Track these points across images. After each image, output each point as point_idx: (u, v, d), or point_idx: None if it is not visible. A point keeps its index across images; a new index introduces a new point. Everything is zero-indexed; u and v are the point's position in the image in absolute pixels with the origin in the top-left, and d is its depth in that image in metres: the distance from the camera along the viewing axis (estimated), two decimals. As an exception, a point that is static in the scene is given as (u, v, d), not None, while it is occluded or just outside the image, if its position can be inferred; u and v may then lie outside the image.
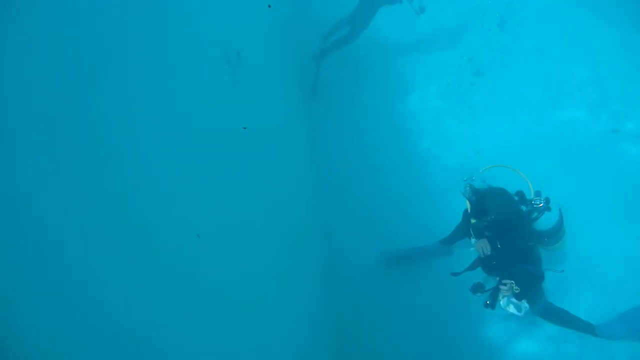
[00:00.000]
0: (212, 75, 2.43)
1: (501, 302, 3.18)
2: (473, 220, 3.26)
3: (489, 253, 3.19)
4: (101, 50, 1.54)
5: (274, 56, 4.24)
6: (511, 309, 3.17)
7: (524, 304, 3.14)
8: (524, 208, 3.21)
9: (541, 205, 3.17)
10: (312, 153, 4.78)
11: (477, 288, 3.23)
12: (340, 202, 4.53)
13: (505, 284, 3.07)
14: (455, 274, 3.38)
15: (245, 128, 1.65)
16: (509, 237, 3.14)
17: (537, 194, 3.27)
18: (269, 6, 2.70)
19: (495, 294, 3.18)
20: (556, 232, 3.31)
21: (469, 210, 3.34)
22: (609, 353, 3.39)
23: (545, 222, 3.23)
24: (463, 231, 3.73)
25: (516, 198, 3.20)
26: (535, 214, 3.20)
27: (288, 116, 4.40)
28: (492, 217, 3.09)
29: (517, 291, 3.06)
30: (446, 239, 3.91)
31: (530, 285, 3.20)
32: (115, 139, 1.54)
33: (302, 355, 2.93)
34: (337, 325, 3.77)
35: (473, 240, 3.35)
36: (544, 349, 3.57)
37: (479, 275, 3.43)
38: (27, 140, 1.23)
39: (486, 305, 3.23)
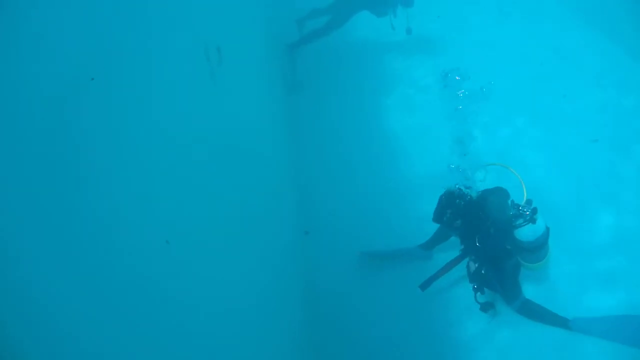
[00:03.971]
0: (190, 72, 2.34)
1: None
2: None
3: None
4: (78, 46, 1.45)
5: (255, 51, 4.15)
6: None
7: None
8: (511, 211, 3.24)
9: (527, 213, 3.17)
10: (293, 149, 4.74)
11: (488, 307, 3.44)
12: (319, 200, 4.49)
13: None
14: (424, 287, 3.40)
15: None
16: (486, 235, 3.19)
17: (528, 202, 3.27)
18: None
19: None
20: (537, 249, 3.31)
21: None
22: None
23: (528, 234, 3.23)
24: (443, 235, 3.75)
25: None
26: (520, 221, 3.20)
27: (270, 112, 4.34)
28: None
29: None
30: (426, 243, 3.91)
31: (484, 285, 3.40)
32: (87, 132, 1.45)
33: (277, 354, 2.92)
34: (314, 325, 3.75)
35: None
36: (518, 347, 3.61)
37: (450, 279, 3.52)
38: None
39: (483, 308, 3.44)
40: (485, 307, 3.45)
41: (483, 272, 3.34)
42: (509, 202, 3.29)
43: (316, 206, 4.42)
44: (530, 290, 3.61)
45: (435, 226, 3.72)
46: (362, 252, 4.14)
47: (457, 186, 3.33)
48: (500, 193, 3.35)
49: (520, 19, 6.01)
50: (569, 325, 3.43)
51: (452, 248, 3.63)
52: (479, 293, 3.43)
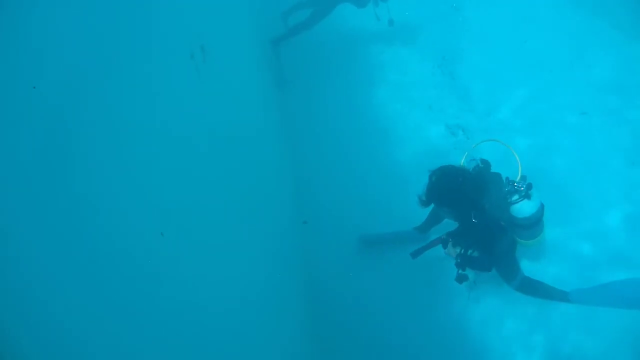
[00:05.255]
0: (176, 71, 2.38)
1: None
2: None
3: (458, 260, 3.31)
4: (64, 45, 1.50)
5: (242, 47, 4.18)
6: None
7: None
8: (506, 188, 3.26)
9: (522, 189, 3.18)
10: (287, 142, 4.78)
11: (463, 278, 3.36)
12: (317, 190, 4.54)
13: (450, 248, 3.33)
14: (415, 255, 3.40)
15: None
16: (482, 211, 3.15)
17: (523, 178, 3.27)
18: None
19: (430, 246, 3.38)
20: (532, 225, 3.32)
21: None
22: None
23: (523, 210, 3.24)
24: (437, 217, 3.79)
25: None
26: (515, 197, 3.22)
27: (260, 107, 4.37)
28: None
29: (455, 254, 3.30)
30: (421, 225, 3.95)
31: (473, 267, 3.35)
32: (80, 128, 1.50)
33: (278, 345, 2.96)
34: (314, 313, 3.81)
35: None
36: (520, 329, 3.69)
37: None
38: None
39: (458, 279, 3.36)
40: (460, 278, 3.39)
41: (470, 253, 3.36)
42: (504, 179, 3.31)
43: (313, 196, 4.46)
44: (525, 267, 3.65)
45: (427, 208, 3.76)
46: (361, 235, 4.21)
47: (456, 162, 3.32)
48: (493, 173, 3.38)
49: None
50: (568, 298, 3.49)
51: (447, 229, 3.65)
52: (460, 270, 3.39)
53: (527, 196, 3.20)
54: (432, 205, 3.52)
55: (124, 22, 1.93)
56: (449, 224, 3.66)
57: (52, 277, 1.26)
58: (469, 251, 3.35)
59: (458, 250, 3.32)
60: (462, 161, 3.40)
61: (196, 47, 2.56)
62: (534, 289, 3.57)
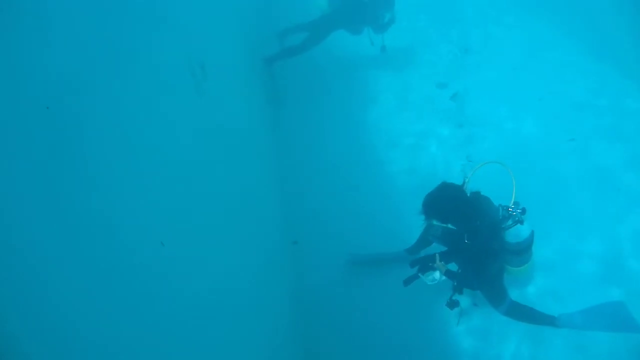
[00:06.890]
0: (176, 89, 2.41)
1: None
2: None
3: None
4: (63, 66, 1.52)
5: (238, 66, 4.23)
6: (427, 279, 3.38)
7: (438, 275, 3.35)
8: (500, 212, 3.25)
9: (515, 213, 3.18)
10: (279, 160, 4.81)
11: (454, 304, 3.41)
12: (307, 210, 4.55)
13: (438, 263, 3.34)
14: (407, 283, 3.42)
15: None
16: (475, 233, 3.16)
17: (516, 203, 3.25)
18: None
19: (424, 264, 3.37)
20: (523, 252, 3.34)
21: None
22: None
23: (515, 235, 3.26)
24: (427, 240, 3.81)
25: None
26: (509, 222, 3.22)
27: (255, 125, 4.41)
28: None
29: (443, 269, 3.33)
30: (411, 247, 3.97)
31: (464, 285, 3.38)
32: (86, 142, 1.53)
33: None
34: (304, 334, 3.80)
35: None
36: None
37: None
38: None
39: (449, 305, 3.42)
40: (452, 304, 3.44)
41: (461, 271, 3.38)
42: (497, 205, 3.34)
43: (304, 216, 4.48)
44: (512, 291, 3.69)
45: (419, 230, 3.79)
46: (351, 254, 4.21)
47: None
48: (487, 198, 3.40)
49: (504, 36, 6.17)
50: (556, 323, 3.52)
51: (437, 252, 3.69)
52: (456, 293, 3.43)
53: (520, 221, 3.22)
54: (423, 228, 3.57)
55: (129, 39, 1.98)
56: (438, 248, 3.69)
57: (51, 282, 1.28)
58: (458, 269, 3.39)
59: (445, 266, 3.35)
60: (463, 182, 3.40)
61: (196, 66, 2.60)
62: (521, 313, 3.59)
